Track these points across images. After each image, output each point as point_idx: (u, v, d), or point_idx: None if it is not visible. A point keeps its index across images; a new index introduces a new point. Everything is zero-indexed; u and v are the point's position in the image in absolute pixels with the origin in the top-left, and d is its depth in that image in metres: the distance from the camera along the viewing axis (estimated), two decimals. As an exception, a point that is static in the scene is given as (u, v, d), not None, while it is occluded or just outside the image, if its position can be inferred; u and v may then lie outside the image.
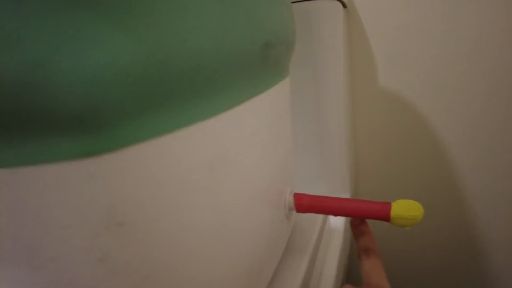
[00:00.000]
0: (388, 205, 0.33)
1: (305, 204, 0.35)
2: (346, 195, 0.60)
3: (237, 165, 0.23)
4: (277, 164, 0.31)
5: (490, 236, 0.73)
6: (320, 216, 0.44)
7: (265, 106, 0.26)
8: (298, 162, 0.62)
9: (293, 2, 0.52)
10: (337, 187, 0.60)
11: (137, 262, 0.18)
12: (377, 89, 0.70)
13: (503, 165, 0.67)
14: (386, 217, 0.33)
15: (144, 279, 0.18)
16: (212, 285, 0.22)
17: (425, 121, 0.69)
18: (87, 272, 0.17)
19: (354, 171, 0.74)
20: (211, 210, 0.21)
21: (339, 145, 0.62)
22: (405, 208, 0.32)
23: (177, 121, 0.17)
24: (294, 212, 0.39)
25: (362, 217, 0.35)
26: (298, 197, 0.36)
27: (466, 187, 0.71)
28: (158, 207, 0.18)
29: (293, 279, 0.34)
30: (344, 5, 0.59)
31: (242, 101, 0.22)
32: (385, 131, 0.72)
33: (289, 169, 0.36)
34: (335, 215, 0.35)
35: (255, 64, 0.22)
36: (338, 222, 0.53)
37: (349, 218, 0.36)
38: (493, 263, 0.75)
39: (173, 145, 0.17)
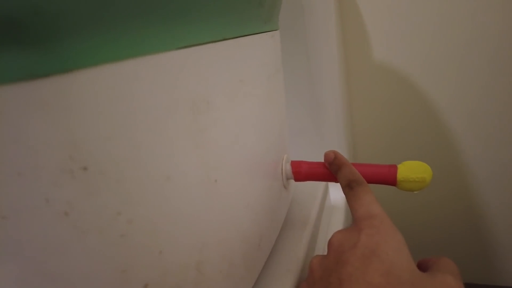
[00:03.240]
0: (394, 167, 0.30)
1: (304, 171, 0.33)
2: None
3: (224, 114, 0.20)
4: (271, 127, 0.29)
5: (489, 199, 0.71)
6: (320, 192, 0.42)
7: (253, 52, 0.23)
8: (295, 146, 0.60)
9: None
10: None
11: (109, 217, 0.15)
12: (371, 62, 0.68)
13: (504, 130, 0.65)
14: (392, 181, 0.30)
15: (119, 238, 0.15)
16: (203, 250, 0.20)
17: (423, 92, 0.67)
18: (51, 230, 0.14)
19: (352, 150, 0.72)
20: (197, 161, 0.18)
21: (336, 125, 0.60)
22: (412, 170, 0.30)
23: (151, 43, 0.14)
24: (292, 182, 0.37)
25: (368, 181, 0.32)
26: (295, 164, 0.33)
27: (467, 153, 0.69)
28: (129, 149, 0.15)
29: (295, 253, 0.31)
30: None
31: (227, 36, 0.19)
32: (381, 104, 0.70)
33: (284, 136, 0.34)
34: (337, 181, 0.32)
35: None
36: (338, 199, 0.50)
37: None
38: (491, 222, 0.74)
39: (145, 72, 0.15)
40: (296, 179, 0.33)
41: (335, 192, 0.51)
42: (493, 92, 0.63)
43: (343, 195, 0.51)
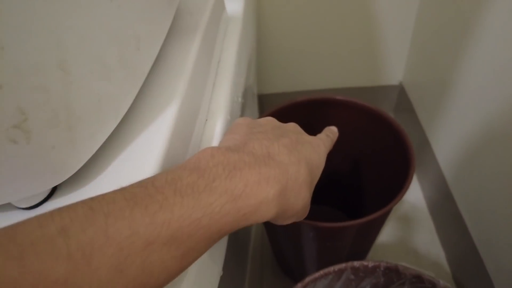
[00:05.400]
0: None
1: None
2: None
3: None
4: None
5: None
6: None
7: None
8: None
9: None
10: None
11: None
12: None
13: None
14: None
15: None
16: (61, 47, 0.18)
17: None
18: None
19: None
20: None
21: None
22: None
23: None
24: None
25: None
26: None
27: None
28: None
29: (184, 59, 0.31)
30: None
31: None
32: None
33: None
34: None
35: None
36: (236, 9, 0.49)
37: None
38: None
39: None
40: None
41: (232, 4, 0.49)
42: None
43: (241, 6, 0.49)
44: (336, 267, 0.37)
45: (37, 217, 0.14)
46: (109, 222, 0.14)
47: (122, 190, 0.16)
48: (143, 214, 0.15)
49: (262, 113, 0.84)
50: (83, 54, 0.20)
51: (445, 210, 0.72)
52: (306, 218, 0.26)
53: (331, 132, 0.33)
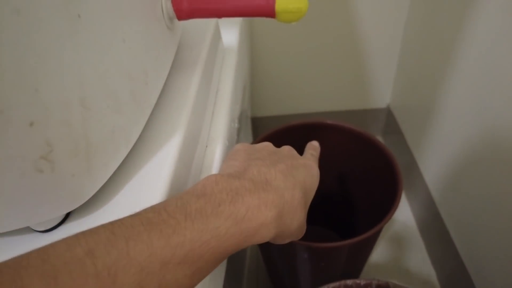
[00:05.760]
0: (272, 0, 0.32)
1: (186, 8, 0.33)
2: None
3: None
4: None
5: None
6: (210, 33, 0.42)
7: None
8: None
9: None
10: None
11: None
12: None
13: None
14: (271, 13, 0.32)
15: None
16: (84, 86, 0.21)
17: None
18: None
19: None
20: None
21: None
22: (289, 1, 0.32)
23: None
24: (179, 23, 0.36)
25: (247, 15, 0.33)
26: (176, 2, 0.33)
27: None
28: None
29: (186, 91, 0.33)
30: None
31: None
32: None
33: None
34: (220, 16, 0.33)
35: None
36: (231, 40, 0.52)
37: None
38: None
39: None
40: (180, 17, 0.33)
41: (228, 35, 0.52)
42: None
43: (236, 38, 0.53)
44: (330, 285, 0.39)
45: (65, 241, 0.16)
46: (130, 245, 0.16)
47: (138, 215, 0.18)
48: (159, 237, 0.17)
49: (255, 135, 0.87)
50: (100, 91, 0.22)
51: (434, 229, 0.74)
52: (300, 239, 0.28)
53: (314, 150, 0.35)
